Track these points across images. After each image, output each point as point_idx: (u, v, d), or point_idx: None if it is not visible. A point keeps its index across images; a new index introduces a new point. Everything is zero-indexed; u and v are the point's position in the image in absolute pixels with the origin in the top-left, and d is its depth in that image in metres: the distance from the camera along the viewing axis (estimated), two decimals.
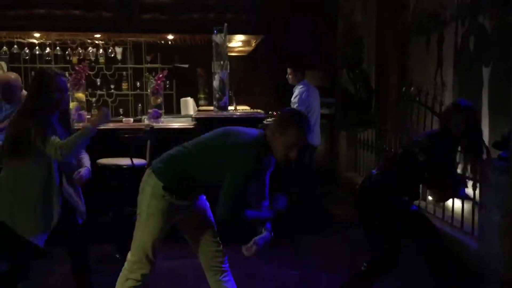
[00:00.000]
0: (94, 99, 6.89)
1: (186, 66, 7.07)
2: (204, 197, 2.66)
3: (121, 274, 2.57)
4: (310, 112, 5.40)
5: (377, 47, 6.96)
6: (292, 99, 5.42)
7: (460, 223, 4.16)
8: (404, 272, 3.78)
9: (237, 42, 6.02)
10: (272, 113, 6.00)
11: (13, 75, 4.37)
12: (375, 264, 3.05)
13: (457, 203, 4.25)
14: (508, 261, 3.45)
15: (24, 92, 4.51)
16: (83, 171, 3.00)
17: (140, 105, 7.07)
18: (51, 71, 2.90)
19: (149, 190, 2.46)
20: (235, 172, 2.33)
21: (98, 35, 5.93)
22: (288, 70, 5.54)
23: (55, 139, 2.71)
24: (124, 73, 7.04)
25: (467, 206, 4.11)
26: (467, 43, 5.01)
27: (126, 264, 2.55)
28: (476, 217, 3.89)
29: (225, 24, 4.80)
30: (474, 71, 4.85)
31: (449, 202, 4.40)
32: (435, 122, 4.74)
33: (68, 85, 5.24)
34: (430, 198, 4.91)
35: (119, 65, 6.96)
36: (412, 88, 5.14)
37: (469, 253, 3.84)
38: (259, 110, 5.59)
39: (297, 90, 5.42)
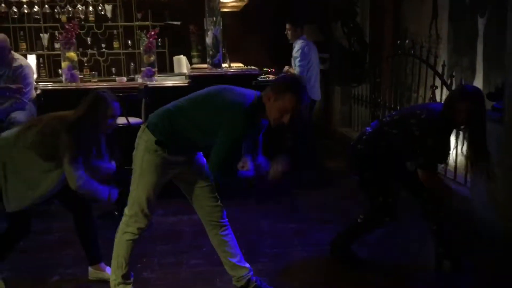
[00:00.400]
0: (85, 59, 6.81)
1: (178, 23, 6.95)
2: (201, 153, 2.67)
3: (119, 227, 2.62)
4: (311, 68, 5.36)
5: (371, 0, 6.85)
6: (293, 53, 5.34)
7: (453, 174, 4.23)
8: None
9: None
10: (266, 70, 5.96)
11: (0, 36, 4.30)
12: (371, 216, 3.12)
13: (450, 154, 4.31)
14: (500, 209, 3.54)
15: (13, 54, 4.45)
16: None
17: (132, 64, 7.01)
18: (108, 96, 2.87)
19: (143, 144, 2.48)
20: (228, 132, 2.33)
21: None
22: (287, 26, 5.43)
23: (79, 171, 2.68)
24: (115, 31, 6.93)
25: (460, 157, 4.17)
26: None
27: (123, 218, 2.60)
28: (468, 168, 3.95)
29: None
30: (469, 22, 4.80)
31: None
32: (430, 75, 4.74)
33: (59, 44, 5.21)
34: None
35: (110, 23, 6.85)
36: (407, 41, 5.09)
37: (462, 202, 3.93)
38: (253, 67, 5.55)
39: (297, 45, 5.33)
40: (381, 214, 3.07)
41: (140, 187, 2.50)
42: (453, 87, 4.31)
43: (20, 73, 4.29)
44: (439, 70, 4.55)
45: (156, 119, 2.51)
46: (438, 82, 4.56)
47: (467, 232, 3.62)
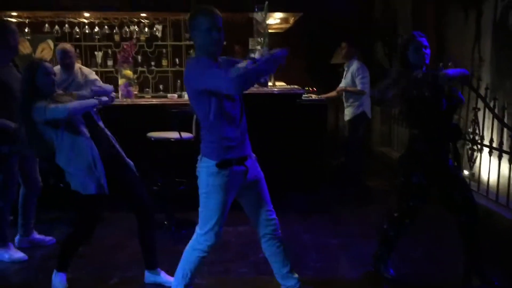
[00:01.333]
0: (135, 76, 7.14)
1: (224, 43, 7.21)
2: (259, 168, 2.81)
3: (189, 244, 2.75)
4: (368, 85, 5.47)
5: (414, 20, 6.95)
6: (352, 71, 5.46)
7: (495, 196, 4.27)
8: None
9: (276, 20, 6.12)
10: (308, 89, 6.14)
11: (68, 45, 4.67)
12: (393, 217, 3.24)
13: (492, 176, 4.36)
14: None
15: (78, 65, 4.80)
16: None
17: (179, 81, 7.30)
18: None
19: (204, 171, 2.63)
20: (201, 73, 2.47)
21: (143, 14, 6.11)
22: (343, 44, 5.57)
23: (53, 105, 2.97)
24: (164, 50, 7.27)
25: (502, 179, 4.21)
26: (506, 17, 5.00)
27: (194, 235, 2.74)
28: (511, 190, 3.99)
29: (266, 2, 4.92)
30: None
31: (484, 176, 4.51)
32: (472, 97, 4.81)
33: (117, 62, 5.51)
34: (465, 172, 5.01)
35: (159, 42, 7.19)
36: (450, 63, 5.17)
37: (504, 223, 3.97)
38: (295, 86, 5.74)
39: (355, 64, 5.48)
40: (404, 216, 3.20)
41: (209, 209, 2.64)
42: (496, 110, 4.38)
43: (88, 79, 4.63)
44: (482, 92, 4.62)
45: (205, 145, 2.65)
46: (480, 104, 4.63)
47: (509, 252, 3.66)
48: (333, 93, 5.69)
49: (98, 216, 3.16)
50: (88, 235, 3.17)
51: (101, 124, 3.21)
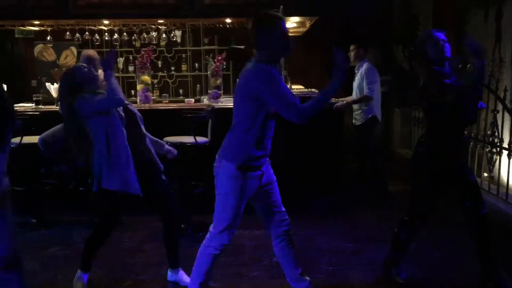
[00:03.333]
0: (155, 81, 7.27)
1: (242, 47, 7.28)
2: (272, 170, 2.84)
3: (204, 242, 2.80)
4: (377, 89, 5.31)
5: (434, 23, 6.87)
6: (360, 74, 5.29)
7: (505, 194, 4.19)
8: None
9: (292, 24, 6.13)
10: None
11: (91, 51, 4.71)
12: (405, 219, 3.24)
13: None
14: None
15: (100, 72, 4.88)
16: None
17: (198, 85, 7.39)
18: None
19: (224, 172, 2.66)
20: (269, 88, 2.49)
21: (161, 21, 6.19)
22: (351, 47, 5.40)
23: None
24: (184, 55, 7.38)
25: None
26: None
27: (208, 234, 2.78)
28: None
29: (281, 7, 4.94)
30: None
31: (504, 179, 4.43)
32: (492, 98, 4.73)
33: (135, 68, 5.59)
34: (485, 174, 4.93)
35: (179, 47, 7.29)
36: (468, 65, 5.10)
37: None
38: (313, 90, 5.74)
39: (364, 67, 5.29)
40: (414, 219, 3.19)
41: (224, 210, 2.68)
42: None
43: None
44: (501, 94, 4.54)
45: (230, 147, 2.68)
46: (500, 106, 4.56)
47: None
48: (346, 100, 5.60)
49: (117, 214, 3.24)
50: (108, 234, 3.24)
51: (142, 128, 3.27)
